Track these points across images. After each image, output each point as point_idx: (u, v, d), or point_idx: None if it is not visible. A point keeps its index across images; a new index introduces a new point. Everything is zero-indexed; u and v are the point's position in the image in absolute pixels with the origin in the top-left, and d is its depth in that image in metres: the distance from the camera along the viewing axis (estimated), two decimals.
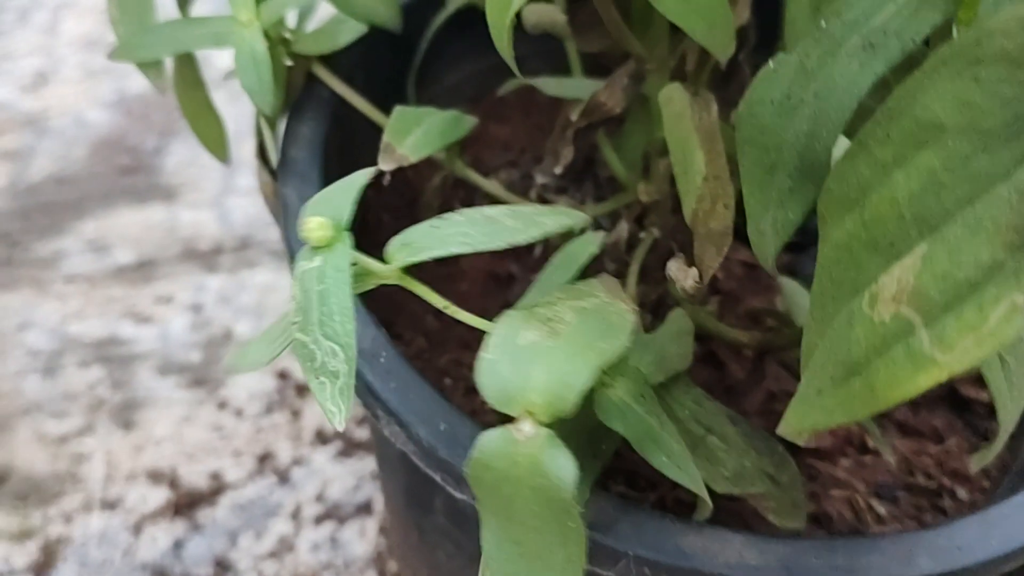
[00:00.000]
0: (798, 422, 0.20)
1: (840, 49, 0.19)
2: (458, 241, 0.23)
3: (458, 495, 0.31)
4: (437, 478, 0.31)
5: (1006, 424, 0.24)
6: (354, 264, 0.24)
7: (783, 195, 0.21)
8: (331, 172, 0.37)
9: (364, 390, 0.31)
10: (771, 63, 0.21)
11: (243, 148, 0.70)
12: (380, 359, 0.32)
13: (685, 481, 0.27)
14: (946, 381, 0.42)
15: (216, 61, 0.77)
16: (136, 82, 0.83)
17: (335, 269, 0.22)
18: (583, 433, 0.29)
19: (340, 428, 0.22)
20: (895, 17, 0.19)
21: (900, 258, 0.18)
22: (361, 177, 0.24)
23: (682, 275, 0.27)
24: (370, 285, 0.24)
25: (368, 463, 0.60)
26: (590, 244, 0.26)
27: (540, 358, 0.22)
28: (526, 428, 0.22)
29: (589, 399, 0.27)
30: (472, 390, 0.39)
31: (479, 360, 0.22)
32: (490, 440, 0.22)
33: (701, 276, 0.27)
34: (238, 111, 0.65)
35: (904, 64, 0.20)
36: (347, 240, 0.23)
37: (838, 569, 0.29)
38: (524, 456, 0.22)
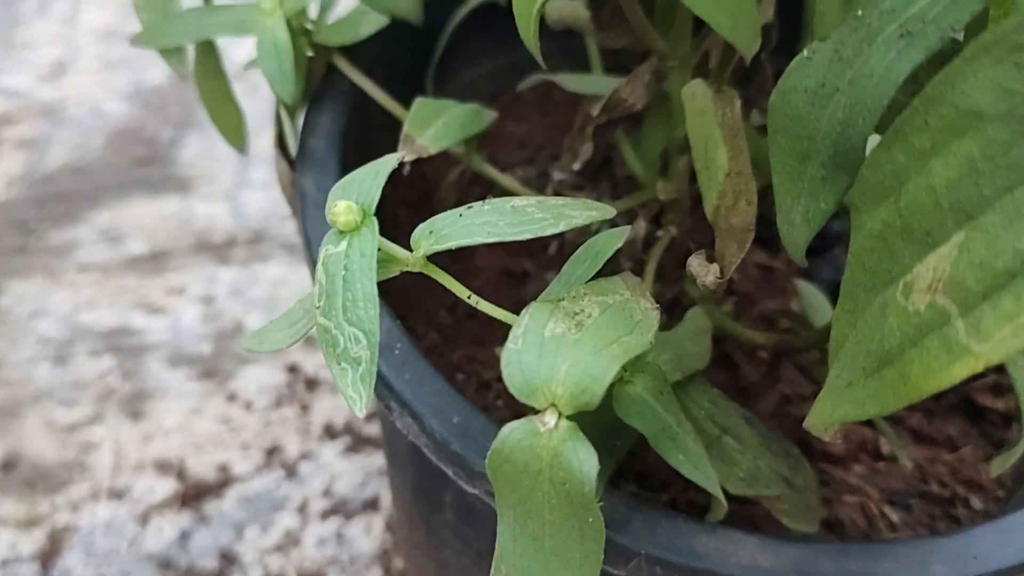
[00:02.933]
0: (827, 414, 0.20)
1: (877, 38, 0.19)
2: (484, 231, 0.23)
3: (470, 490, 0.30)
4: (449, 472, 0.31)
5: None
6: (378, 250, 0.23)
7: (815, 184, 0.20)
8: (349, 163, 0.37)
9: (378, 381, 0.31)
10: (805, 52, 0.20)
11: (259, 143, 0.70)
12: (395, 351, 0.31)
13: (701, 480, 0.27)
14: (961, 389, 0.41)
15: (234, 55, 0.77)
16: (153, 74, 0.83)
17: (361, 254, 0.22)
18: (598, 430, 0.28)
19: (361, 415, 0.22)
20: (933, 5, 0.18)
21: (936, 247, 0.18)
22: (388, 163, 0.24)
23: (703, 271, 0.27)
24: (394, 272, 0.24)
25: (376, 459, 0.60)
26: (615, 238, 0.26)
27: (566, 350, 0.21)
28: (549, 420, 0.21)
29: (607, 395, 0.27)
30: (484, 386, 0.39)
31: (504, 350, 0.22)
32: (512, 432, 0.22)
33: (722, 272, 0.27)
34: (254, 105, 0.65)
35: (934, 58, 0.20)
36: (373, 226, 0.23)
37: (852, 574, 0.28)
38: (546, 449, 0.22)
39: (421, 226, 0.24)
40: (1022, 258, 0.17)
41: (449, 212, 0.24)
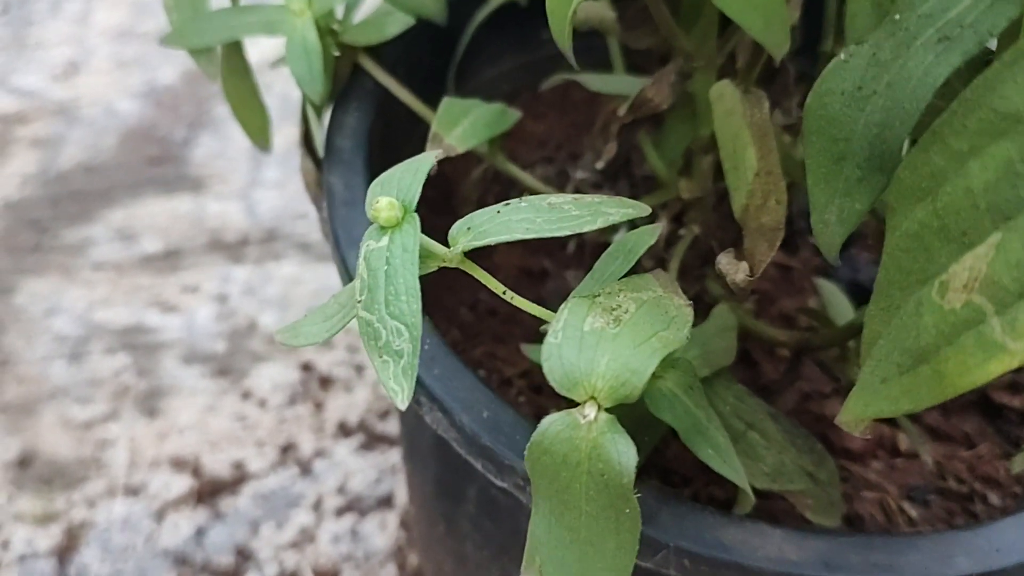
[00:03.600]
0: (861, 410, 0.20)
1: (915, 41, 0.19)
2: (523, 227, 0.24)
3: (498, 483, 0.31)
4: (478, 466, 0.31)
5: None
6: None
7: (851, 185, 0.21)
8: (375, 162, 0.38)
9: None
10: (842, 55, 0.21)
11: (273, 140, 0.71)
12: (424, 346, 0.32)
13: (729, 474, 0.27)
14: (979, 387, 0.42)
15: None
16: (166, 73, 0.83)
17: (403, 249, 0.23)
18: (628, 424, 0.29)
19: (403, 407, 0.22)
20: (970, 10, 0.19)
21: (973, 247, 0.18)
22: (427, 160, 0.24)
23: (732, 269, 0.27)
24: (431, 268, 0.24)
25: (390, 456, 0.61)
26: (648, 236, 0.26)
27: (605, 344, 0.22)
28: (590, 412, 0.22)
29: None
30: (506, 382, 0.40)
31: (544, 344, 0.22)
32: (552, 424, 0.22)
33: (752, 270, 0.27)
34: (267, 103, 0.66)
35: (968, 63, 0.20)
36: (415, 222, 0.23)
37: (877, 566, 0.29)
38: (585, 440, 0.22)
39: (459, 222, 0.24)
40: None
41: (486, 209, 0.24)
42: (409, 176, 0.24)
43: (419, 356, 0.32)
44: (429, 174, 0.43)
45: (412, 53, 0.43)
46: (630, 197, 0.44)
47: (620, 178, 0.45)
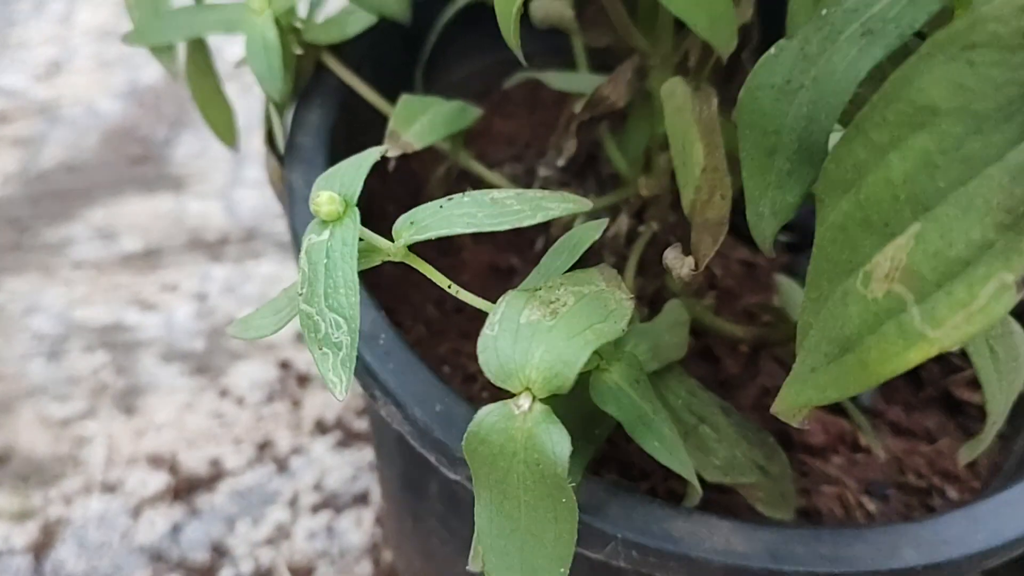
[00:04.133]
0: (792, 399, 0.21)
1: (840, 36, 0.20)
2: (464, 222, 0.24)
3: (452, 476, 0.31)
4: (432, 459, 0.31)
5: (995, 414, 0.25)
6: (361, 240, 0.24)
7: (782, 178, 0.21)
8: (337, 159, 0.38)
9: (362, 371, 0.32)
10: (772, 49, 0.21)
11: (252, 142, 0.71)
12: (379, 341, 0.32)
13: (675, 466, 0.27)
14: (940, 383, 0.42)
15: (227, 55, 0.78)
16: (148, 73, 0.84)
17: (342, 243, 0.23)
18: (577, 418, 0.29)
19: (341, 398, 0.22)
20: (893, 4, 0.19)
21: (894, 238, 0.18)
22: (370, 156, 0.25)
23: (678, 263, 0.28)
24: (376, 262, 0.25)
25: (366, 454, 0.61)
26: (592, 231, 0.27)
27: (540, 336, 0.22)
28: (524, 403, 0.22)
29: (585, 384, 0.28)
30: (470, 378, 0.40)
31: (481, 336, 0.22)
32: (488, 414, 0.23)
33: (697, 264, 0.27)
34: (248, 104, 0.66)
35: (898, 53, 0.21)
36: (355, 215, 0.23)
37: (823, 558, 0.29)
38: (520, 431, 0.22)
39: (403, 217, 0.25)
40: (974, 248, 0.18)
41: (430, 203, 0.25)
42: (352, 171, 0.24)
43: (375, 351, 0.32)
44: (392, 172, 0.43)
45: (379, 52, 0.43)
46: (596, 194, 0.45)
47: (588, 176, 0.46)
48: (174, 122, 0.80)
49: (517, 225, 0.24)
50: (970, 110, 0.18)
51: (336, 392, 0.22)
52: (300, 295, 0.23)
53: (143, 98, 0.82)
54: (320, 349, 0.23)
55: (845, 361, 0.20)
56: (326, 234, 0.23)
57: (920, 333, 0.18)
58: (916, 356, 0.19)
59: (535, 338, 0.22)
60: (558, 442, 0.22)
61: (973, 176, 0.18)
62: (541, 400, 0.22)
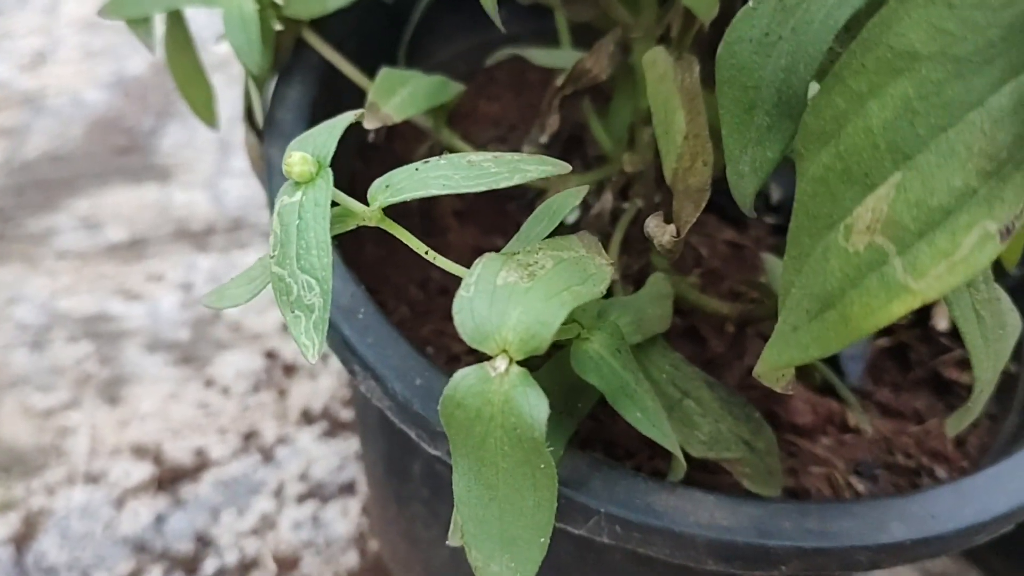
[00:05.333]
0: (774, 360, 0.20)
1: None
2: (439, 183, 0.23)
3: (433, 452, 0.31)
4: (412, 434, 0.31)
5: (982, 381, 0.24)
6: (336, 205, 0.24)
7: (762, 133, 0.21)
8: None
9: (342, 345, 0.31)
10: (751, 2, 0.21)
11: (237, 131, 0.70)
12: (358, 315, 0.32)
13: (658, 437, 0.27)
14: (929, 364, 0.41)
15: (213, 49, 0.77)
16: (134, 63, 0.83)
17: (314, 204, 0.22)
18: (559, 391, 0.29)
19: (312, 361, 0.22)
20: None
21: (875, 188, 0.18)
22: (344, 119, 0.24)
23: (660, 231, 0.27)
24: (350, 226, 0.24)
25: (352, 444, 0.60)
26: (571, 197, 0.26)
27: (517, 298, 0.22)
28: (500, 365, 0.21)
29: (566, 357, 0.27)
30: (454, 359, 0.39)
31: (456, 297, 0.22)
32: (464, 377, 0.22)
33: (678, 231, 0.27)
34: (234, 95, 0.65)
35: (876, 2, 0.20)
36: (328, 176, 0.23)
37: (810, 532, 0.29)
38: (497, 394, 0.22)
39: (377, 180, 0.24)
40: (956, 196, 0.18)
41: (406, 167, 0.24)
42: (325, 134, 0.24)
43: (354, 325, 0.32)
44: (376, 151, 0.43)
45: (363, 30, 0.43)
46: (582, 172, 0.44)
47: (574, 156, 0.45)
48: (160, 112, 0.79)
49: (493, 187, 0.23)
50: (950, 54, 0.17)
51: (308, 355, 0.22)
52: (272, 257, 0.22)
53: (129, 88, 0.81)
54: (292, 312, 0.22)
55: (827, 317, 0.19)
56: (298, 195, 0.23)
57: (903, 285, 0.18)
58: (899, 308, 0.18)
59: (512, 299, 0.22)
60: (535, 404, 0.21)
61: (954, 123, 0.17)
62: (518, 363, 0.22)
